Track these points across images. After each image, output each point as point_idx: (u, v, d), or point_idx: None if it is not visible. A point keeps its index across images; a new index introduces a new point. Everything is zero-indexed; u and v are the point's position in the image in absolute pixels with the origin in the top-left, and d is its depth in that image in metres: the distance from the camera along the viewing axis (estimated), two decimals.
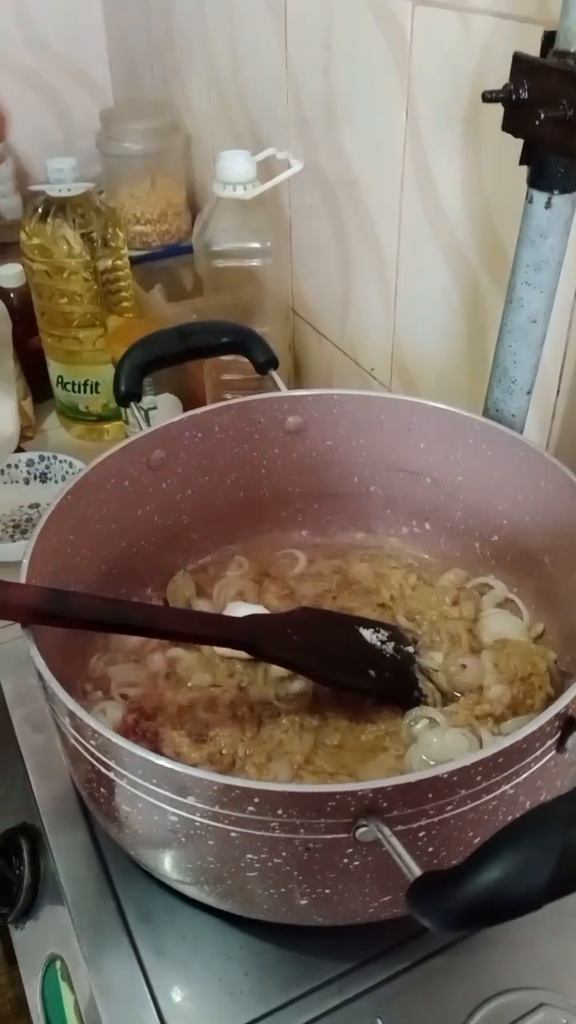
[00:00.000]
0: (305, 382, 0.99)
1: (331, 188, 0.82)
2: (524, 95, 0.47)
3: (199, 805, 0.37)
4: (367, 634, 0.56)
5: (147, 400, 0.84)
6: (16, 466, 0.89)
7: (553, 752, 0.39)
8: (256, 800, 0.36)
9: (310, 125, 0.83)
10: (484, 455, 0.59)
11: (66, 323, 0.90)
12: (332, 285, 0.87)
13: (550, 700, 0.53)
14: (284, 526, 0.69)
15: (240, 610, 0.58)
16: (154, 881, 0.50)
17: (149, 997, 0.47)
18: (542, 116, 0.46)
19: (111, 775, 0.40)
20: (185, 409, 0.86)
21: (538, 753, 0.38)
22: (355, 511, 0.68)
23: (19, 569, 0.47)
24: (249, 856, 0.39)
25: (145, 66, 1.27)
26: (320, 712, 0.54)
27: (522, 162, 0.49)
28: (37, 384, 0.97)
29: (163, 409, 0.87)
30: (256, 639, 0.50)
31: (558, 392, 0.61)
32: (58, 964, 0.52)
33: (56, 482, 0.89)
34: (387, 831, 0.35)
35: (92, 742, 0.40)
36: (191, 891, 0.47)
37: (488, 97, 0.48)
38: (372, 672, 0.54)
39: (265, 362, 0.64)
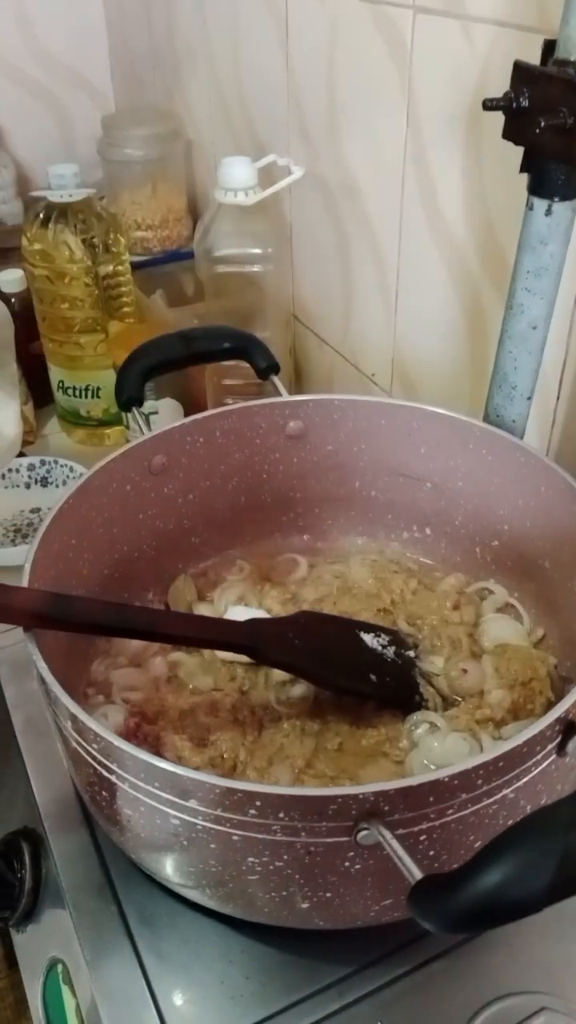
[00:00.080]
0: (306, 387, 0.99)
1: (332, 194, 0.82)
2: (524, 103, 0.48)
3: (201, 808, 0.37)
4: (368, 638, 0.56)
5: (148, 405, 0.84)
6: (17, 470, 0.89)
7: (553, 756, 0.39)
8: (258, 803, 0.36)
9: (311, 132, 0.83)
10: (485, 460, 0.59)
11: (67, 328, 0.90)
12: (333, 290, 0.87)
13: (550, 705, 0.53)
14: (285, 530, 0.69)
15: (241, 614, 0.58)
16: (155, 884, 0.51)
17: (150, 1000, 0.47)
18: (542, 124, 0.46)
19: (113, 778, 0.40)
20: (186, 414, 0.86)
21: (539, 757, 0.38)
22: (356, 516, 0.69)
23: (20, 573, 0.47)
24: (250, 859, 0.39)
25: (147, 73, 1.28)
26: (321, 716, 0.54)
27: (522, 169, 0.50)
28: (38, 389, 0.97)
29: (164, 414, 0.87)
30: (257, 643, 0.50)
31: (558, 398, 0.61)
32: (59, 968, 0.52)
33: (57, 487, 0.89)
34: (388, 834, 0.35)
35: (94, 745, 0.40)
36: (192, 894, 0.47)
37: (489, 105, 0.49)
38: (373, 676, 0.54)
39: (266, 367, 0.64)
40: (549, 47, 0.47)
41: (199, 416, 0.61)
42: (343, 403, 0.63)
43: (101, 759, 0.40)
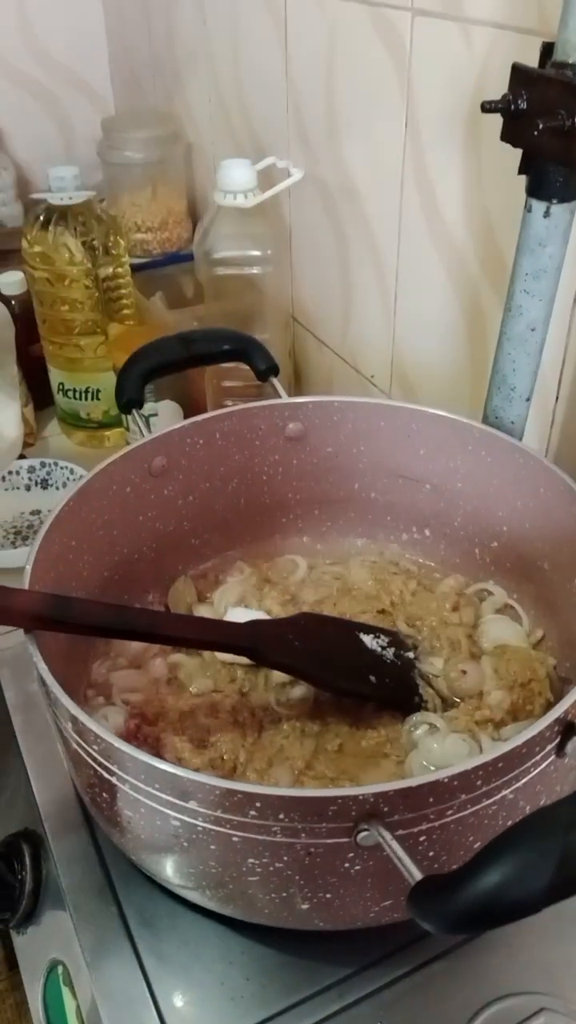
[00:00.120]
0: (305, 389, 0.99)
1: (331, 196, 0.82)
2: (523, 105, 0.48)
3: (201, 810, 0.37)
4: (367, 640, 0.56)
5: (148, 407, 0.85)
6: (17, 473, 0.89)
7: (553, 757, 0.39)
8: (258, 804, 0.36)
9: (310, 134, 0.83)
10: (484, 462, 0.59)
11: (67, 330, 0.90)
12: (332, 293, 0.87)
13: (550, 706, 0.53)
14: (285, 532, 0.69)
15: (241, 615, 0.58)
16: (155, 886, 0.51)
17: (151, 1002, 0.47)
18: (541, 126, 0.46)
19: (113, 780, 0.40)
20: (186, 416, 0.86)
21: (538, 758, 0.38)
22: (355, 517, 0.69)
23: (21, 575, 0.47)
24: (251, 860, 0.39)
25: (147, 76, 1.28)
26: (321, 718, 0.54)
27: (521, 171, 0.50)
28: (38, 391, 0.97)
29: (164, 416, 0.87)
30: (257, 644, 0.50)
31: (557, 399, 0.61)
32: (60, 969, 0.52)
33: (57, 489, 0.89)
34: (388, 835, 0.35)
35: (94, 747, 0.40)
36: (192, 896, 0.47)
37: (487, 107, 0.49)
38: (373, 678, 0.54)
39: (266, 369, 0.64)
40: (547, 49, 0.47)
41: (199, 418, 0.61)
42: (342, 405, 0.63)
43: (102, 760, 0.40)
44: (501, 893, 0.29)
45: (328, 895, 0.40)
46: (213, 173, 0.85)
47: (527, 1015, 0.45)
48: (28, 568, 0.48)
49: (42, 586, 0.48)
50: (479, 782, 0.37)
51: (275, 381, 0.65)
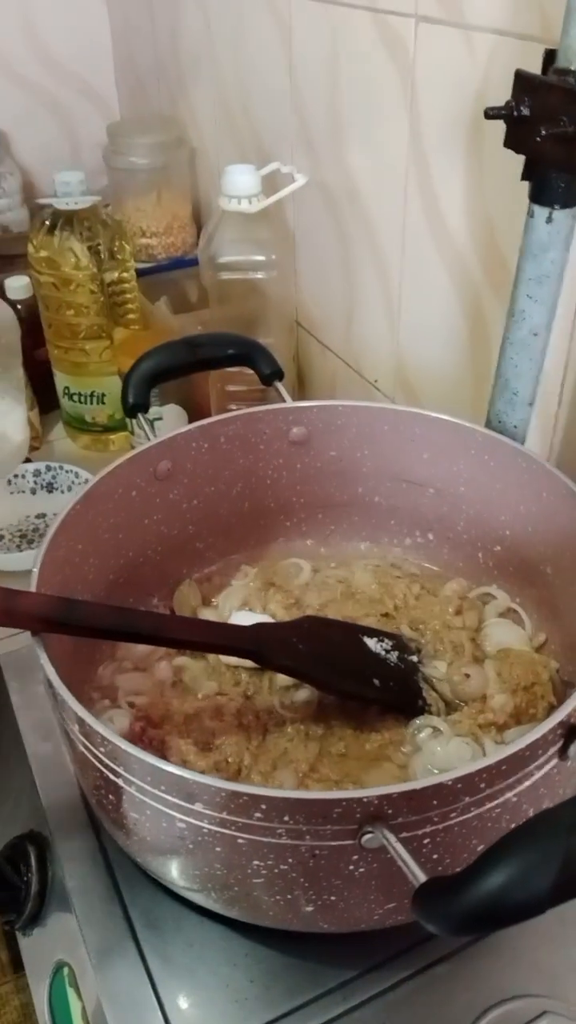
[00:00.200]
0: (309, 393, 1.00)
1: (335, 202, 0.83)
2: (525, 112, 0.48)
3: (206, 812, 0.37)
4: (371, 643, 0.57)
5: (153, 411, 0.85)
6: (23, 476, 0.89)
7: (556, 760, 0.40)
8: (263, 807, 0.36)
9: (314, 140, 0.84)
10: (487, 466, 0.60)
11: (73, 335, 0.91)
12: (336, 297, 0.88)
13: (552, 709, 0.53)
14: (289, 536, 0.70)
15: (245, 619, 0.58)
16: (161, 888, 0.51)
17: (156, 1003, 0.47)
18: (543, 133, 0.46)
19: (119, 782, 0.40)
20: (190, 420, 0.87)
21: (541, 761, 0.39)
22: (359, 521, 0.69)
23: (27, 578, 0.47)
24: (255, 863, 0.39)
25: (151, 82, 1.28)
26: (325, 721, 0.54)
27: (524, 178, 0.50)
28: (44, 395, 0.98)
29: (169, 420, 0.88)
30: (262, 648, 0.50)
31: (559, 403, 0.61)
32: (65, 971, 0.52)
33: (62, 492, 0.89)
34: (392, 837, 0.35)
35: (101, 749, 0.40)
36: (197, 898, 0.47)
37: (490, 114, 0.49)
38: (376, 681, 0.55)
39: (270, 374, 0.65)
40: (550, 56, 0.48)
41: (204, 422, 0.62)
42: (346, 409, 0.64)
43: (108, 762, 0.40)
44: (505, 895, 0.29)
45: (332, 897, 0.40)
46: (217, 178, 0.86)
47: (530, 1018, 0.45)
48: (35, 571, 0.48)
49: (49, 589, 0.48)
50: (482, 785, 0.37)
51: (279, 385, 0.65)
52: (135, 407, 0.62)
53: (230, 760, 0.52)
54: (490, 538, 0.63)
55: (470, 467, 0.61)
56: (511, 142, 0.50)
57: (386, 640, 0.57)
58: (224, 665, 0.58)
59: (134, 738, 0.53)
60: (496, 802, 0.38)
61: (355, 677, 0.54)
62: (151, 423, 0.63)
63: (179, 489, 0.62)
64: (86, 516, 0.55)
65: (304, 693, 0.56)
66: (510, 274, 0.54)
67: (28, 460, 0.91)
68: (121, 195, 1.21)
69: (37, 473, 0.90)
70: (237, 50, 0.96)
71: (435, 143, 0.66)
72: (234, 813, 0.37)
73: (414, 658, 0.58)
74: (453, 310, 0.70)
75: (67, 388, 0.95)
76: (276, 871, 0.39)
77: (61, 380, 0.95)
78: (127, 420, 0.92)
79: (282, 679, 0.56)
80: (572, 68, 0.46)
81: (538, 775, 0.39)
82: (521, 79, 0.48)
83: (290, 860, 0.38)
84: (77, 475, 0.89)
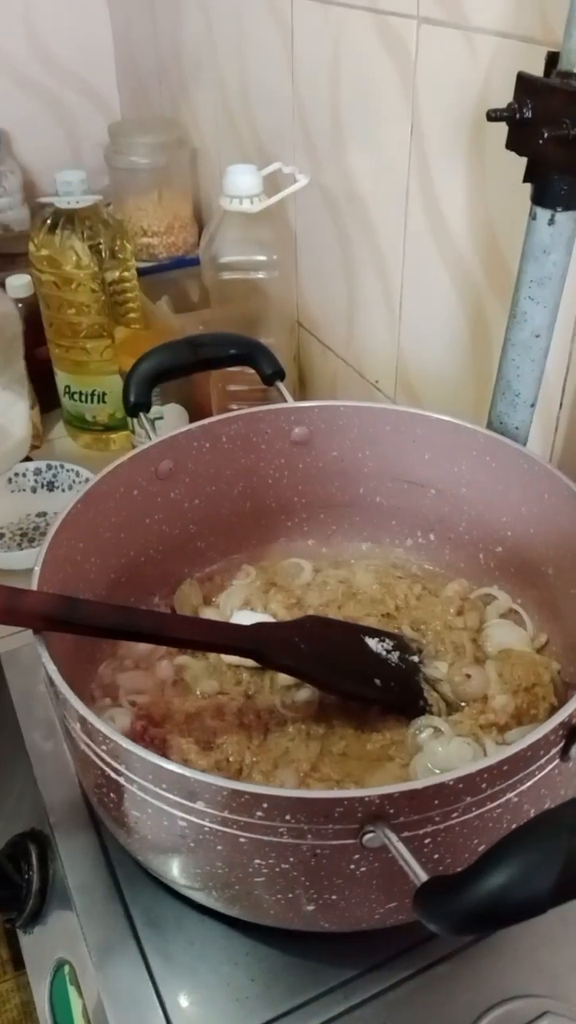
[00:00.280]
0: (310, 394, 1.00)
1: (336, 203, 0.83)
2: (528, 114, 0.48)
3: (208, 810, 0.38)
4: (372, 643, 0.57)
5: (154, 410, 0.85)
6: (24, 475, 0.90)
7: (557, 761, 0.40)
8: (265, 805, 0.36)
9: (316, 140, 0.84)
10: (488, 467, 0.60)
11: (74, 334, 0.91)
12: (337, 298, 0.88)
13: (553, 710, 0.54)
14: (290, 535, 0.70)
15: (247, 618, 0.59)
16: (162, 887, 0.51)
17: (157, 1002, 0.47)
18: (545, 135, 0.46)
19: (121, 780, 0.40)
20: (191, 419, 0.87)
21: (542, 761, 0.39)
22: (360, 521, 0.69)
23: (28, 577, 0.47)
24: (257, 861, 0.39)
25: (153, 83, 1.28)
26: (326, 720, 0.55)
27: (526, 180, 0.50)
28: (44, 394, 0.98)
29: (169, 419, 0.88)
30: (263, 647, 0.50)
31: (561, 405, 0.62)
32: (66, 969, 0.52)
33: (63, 491, 0.89)
34: (394, 837, 0.35)
35: (102, 747, 0.40)
36: (198, 896, 0.47)
37: (492, 116, 0.49)
38: (378, 681, 0.55)
39: (272, 374, 0.65)
40: (552, 59, 0.48)
41: (205, 422, 0.62)
42: (348, 409, 0.64)
43: (109, 761, 0.40)
44: (506, 894, 0.29)
45: (333, 896, 0.41)
46: (219, 178, 0.86)
47: (531, 1018, 0.45)
48: (36, 570, 0.48)
49: (50, 587, 0.48)
50: (484, 785, 0.37)
51: (281, 385, 0.65)
52: (136, 406, 0.62)
53: (231, 759, 0.52)
54: (491, 539, 0.63)
55: (471, 468, 0.61)
56: (513, 144, 0.50)
57: (387, 640, 0.57)
58: (225, 664, 0.58)
59: (135, 737, 0.53)
60: (497, 802, 0.38)
61: (356, 677, 0.54)
62: (152, 422, 0.63)
63: (180, 488, 0.62)
64: (87, 515, 0.55)
65: (305, 693, 0.56)
66: (511, 276, 0.54)
67: (29, 459, 0.91)
68: (122, 194, 1.21)
69: (38, 472, 0.90)
70: (239, 51, 0.96)
71: (436, 145, 0.66)
72: (236, 812, 0.37)
73: (415, 658, 0.58)
74: (454, 311, 0.70)
75: (68, 387, 0.95)
76: (277, 870, 0.39)
77: (62, 379, 0.95)
78: (128, 419, 0.92)
79: (283, 679, 0.56)
80: (574, 71, 0.46)
81: (539, 775, 0.39)
82: (523, 81, 0.48)
83: (291, 859, 0.38)
84: (78, 474, 0.89)
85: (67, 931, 0.52)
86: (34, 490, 0.90)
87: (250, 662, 0.56)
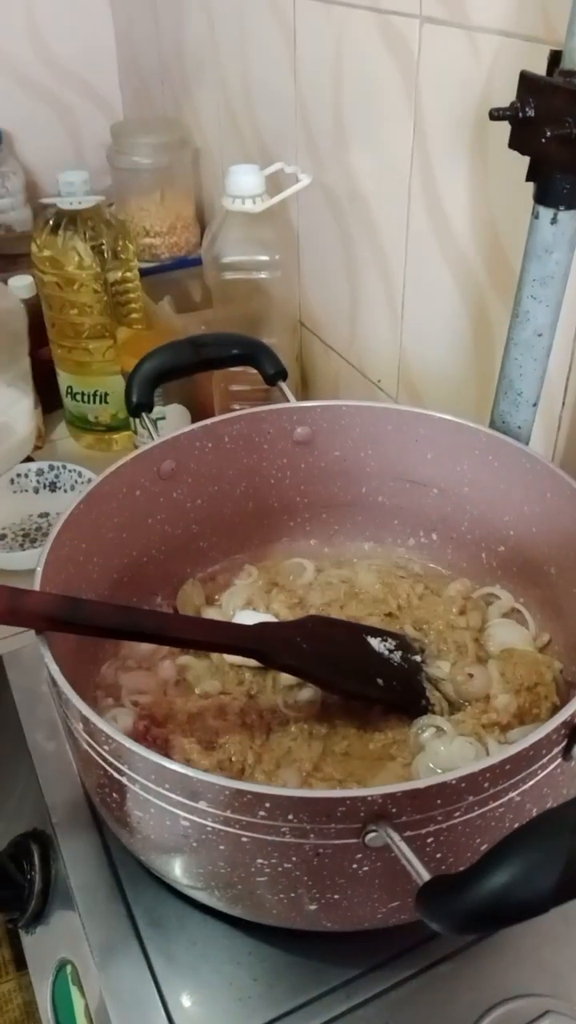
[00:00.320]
0: (312, 393, 1.00)
1: (339, 202, 0.83)
2: (530, 113, 0.48)
3: (210, 810, 0.38)
4: (375, 643, 0.57)
5: (156, 410, 0.85)
6: (26, 475, 0.90)
7: (559, 760, 0.40)
8: (267, 805, 0.36)
9: (318, 141, 0.84)
10: (491, 466, 0.60)
11: (76, 334, 0.91)
12: (339, 298, 0.88)
13: (556, 710, 0.53)
14: (292, 535, 0.70)
15: (249, 618, 0.59)
16: (164, 886, 0.51)
17: (159, 1002, 0.47)
18: (548, 134, 0.46)
19: (123, 780, 0.40)
20: (193, 419, 0.87)
21: (544, 761, 0.39)
22: (363, 521, 0.69)
23: (30, 577, 0.47)
24: (259, 861, 0.39)
25: (155, 84, 1.29)
26: (329, 720, 0.55)
27: (528, 179, 0.50)
28: (47, 394, 0.98)
29: (172, 419, 0.88)
30: (265, 647, 0.50)
31: (563, 404, 0.61)
32: (68, 969, 0.52)
33: (65, 491, 0.89)
34: (396, 836, 0.35)
35: (105, 747, 0.40)
36: (201, 896, 0.47)
37: (495, 115, 0.49)
38: (380, 681, 0.55)
39: (274, 374, 0.65)
40: (555, 58, 0.48)
41: (208, 422, 0.62)
42: (350, 409, 0.64)
43: (112, 761, 0.40)
44: (509, 893, 0.29)
45: (336, 896, 0.41)
46: (221, 178, 0.86)
47: (533, 1017, 0.45)
48: (39, 570, 0.48)
49: (53, 588, 0.48)
50: (486, 784, 0.37)
51: (283, 385, 0.65)
52: (139, 407, 0.62)
53: (233, 759, 0.52)
54: (494, 538, 0.63)
55: (474, 467, 0.61)
56: (516, 143, 0.50)
57: (390, 640, 0.57)
58: (228, 664, 0.58)
59: (138, 737, 0.53)
60: (500, 802, 0.38)
61: (359, 676, 0.54)
62: (154, 423, 0.63)
63: (183, 488, 0.62)
64: (90, 515, 0.55)
65: (308, 692, 0.56)
66: (514, 275, 0.54)
67: (31, 459, 0.91)
68: (125, 195, 1.21)
69: (40, 472, 0.90)
70: (241, 51, 0.96)
71: (439, 144, 0.66)
72: (238, 811, 0.37)
73: (418, 658, 0.58)
74: (457, 311, 0.70)
75: (70, 387, 0.95)
76: (280, 869, 0.39)
77: (64, 379, 0.96)
78: (130, 419, 0.92)
79: (286, 678, 0.56)
80: None
81: (542, 775, 0.39)
82: (526, 80, 0.48)
83: (294, 858, 0.38)
84: (80, 474, 0.89)
85: (69, 931, 0.52)
86: (36, 491, 0.90)
87: (252, 662, 0.56)
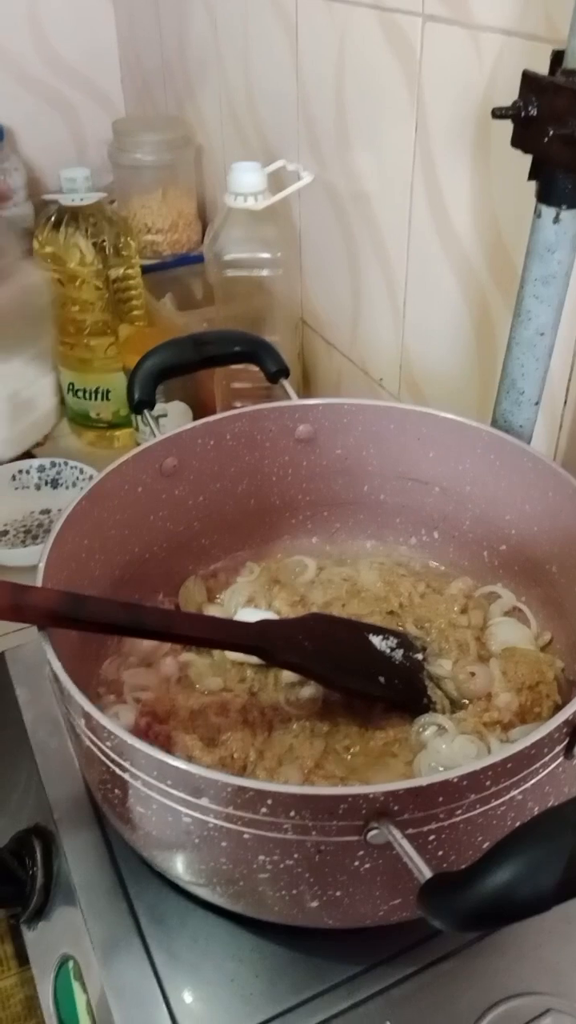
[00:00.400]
0: (314, 391, 1.00)
1: (341, 200, 0.83)
2: (533, 112, 0.48)
3: (213, 806, 0.38)
4: (377, 641, 0.57)
5: (158, 408, 0.85)
6: (27, 472, 0.90)
7: (561, 759, 0.40)
8: (269, 802, 0.36)
9: (320, 138, 0.84)
10: (492, 465, 0.60)
11: (78, 331, 0.91)
12: (341, 296, 0.88)
13: (557, 708, 0.54)
14: (294, 533, 0.70)
15: (251, 616, 0.59)
16: (166, 883, 0.51)
17: (161, 998, 0.47)
18: (551, 133, 0.46)
19: (125, 776, 0.40)
20: (195, 417, 0.87)
21: (546, 759, 0.39)
22: (365, 519, 0.69)
23: (31, 573, 0.47)
24: (261, 858, 0.39)
25: (157, 82, 1.28)
26: (330, 718, 0.55)
27: (531, 177, 0.50)
28: None
29: (173, 417, 0.88)
30: (267, 644, 0.50)
31: (565, 403, 0.62)
32: (70, 964, 0.53)
33: (67, 488, 0.89)
34: (398, 834, 0.35)
35: (107, 743, 0.40)
36: (203, 893, 0.47)
37: (498, 114, 0.49)
38: (382, 679, 0.55)
39: (276, 371, 0.65)
40: (557, 57, 0.48)
41: (210, 419, 0.62)
42: (352, 407, 0.64)
43: (114, 757, 0.40)
44: (511, 891, 0.30)
45: (338, 893, 0.41)
46: (223, 176, 0.86)
47: (534, 1016, 0.45)
48: (41, 566, 0.48)
49: (55, 584, 0.48)
50: (488, 782, 0.37)
51: (285, 383, 0.65)
52: (141, 404, 0.62)
53: (235, 756, 0.52)
54: (496, 537, 0.63)
55: (476, 466, 0.61)
56: (518, 142, 0.50)
57: (391, 638, 0.57)
58: (230, 661, 0.59)
59: (140, 733, 0.53)
60: (501, 800, 0.38)
61: (360, 674, 0.54)
62: (156, 420, 0.63)
63: (185, 486, 0.62)
64: (92, 512, 0.55)
65: (309, 690, 0.56)
66: (516, 274, 0.54)
67: (32, 456, 0.91)
68: (127, 192, 1.21)
69: (41, 469, 0.90)
70: (243, 49, 0.96)
71: (441, 142, 0.66)
72: (240, 808, 0.37)
73: (419, 656, 0.58)
74: (459, 309, 0.70)
75: (72, 384, 0.95)
76: (282, 866, 0.39)
77: (66, 376, 0.96)
78: (132, 417, 0.93)
79: (287, 676, 0.56)
80: None
81: (543, 773, 0.39)
82: (528, 80, 0.48)
83: (296, 855, 0.38)
84: (82, 471, 0.89)
85: (71, 927, 0.52)
86: (38, 487, 0.90)
87: (254, 659, 0.56)
